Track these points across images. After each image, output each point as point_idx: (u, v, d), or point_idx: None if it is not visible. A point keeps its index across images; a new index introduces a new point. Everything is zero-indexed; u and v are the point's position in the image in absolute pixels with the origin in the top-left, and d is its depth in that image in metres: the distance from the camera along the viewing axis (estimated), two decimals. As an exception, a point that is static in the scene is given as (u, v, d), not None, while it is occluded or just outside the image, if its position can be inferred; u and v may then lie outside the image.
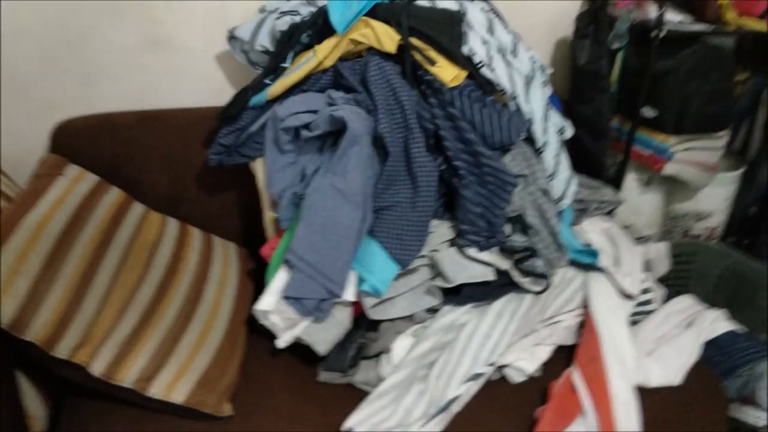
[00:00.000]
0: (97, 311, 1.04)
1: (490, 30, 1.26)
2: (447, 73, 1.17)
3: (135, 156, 1.38)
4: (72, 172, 1.25)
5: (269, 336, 1.15)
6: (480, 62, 1.19)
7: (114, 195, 1.26)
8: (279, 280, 1.12)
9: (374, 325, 1.17)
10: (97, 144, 1.36)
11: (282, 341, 1.12)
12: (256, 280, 1.37)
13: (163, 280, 1.17)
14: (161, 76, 1.45)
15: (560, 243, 1.19)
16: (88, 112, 1.41)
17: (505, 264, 1.17)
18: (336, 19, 1.17)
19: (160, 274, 1.17)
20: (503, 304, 1.17)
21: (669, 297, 1.42)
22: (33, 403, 1.09)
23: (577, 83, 1.61)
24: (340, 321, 1.13)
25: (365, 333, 1.17)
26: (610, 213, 1.55)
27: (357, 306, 1.16)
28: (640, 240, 1.73)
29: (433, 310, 1.18)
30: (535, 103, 1.24)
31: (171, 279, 1.18)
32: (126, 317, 1.07)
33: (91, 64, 1.39)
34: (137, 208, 1.28)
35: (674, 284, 1.73)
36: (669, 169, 1.58)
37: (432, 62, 1.17)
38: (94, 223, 1.14)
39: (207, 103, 1.48)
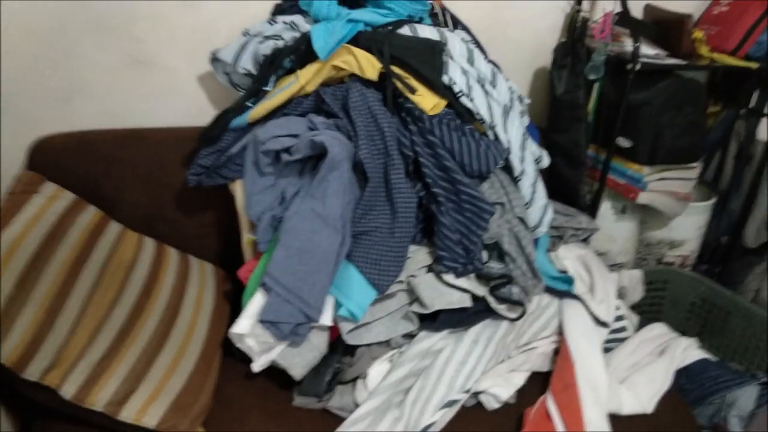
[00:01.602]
0: (69, 332, 1.03)
1: (470, 60, 1.28)
2: (427, 101, 1.19)
3: (113, 174, 1.37)
4: (48, 190, 1.24)
5: (244, 359, 1.14)
6: (460, 91, 1.21)
7: (90, 214, 1.25)
8: (255, 303, 1.11)
9: (350, 349, 1.17)
10: (75, 162, 1.35)
11: (257, 365, 1.11)
12: (232, 301, 1.37)
13: (138, 301, 1.16)
14: (142, 95, 1.45)
15: (536, 270, 1.20)
16: (68, 129, 1.40)
17: (481, 290, 1.18)
18: (319, 45, 1.18)
19: (135, 295, 1.16)
20: (479, 330, 1.17)
21: (642, 324, 1.44)
22: (2, 425, 1.07)
23: (554, 112, 1.64)
24: (316, 345, 1.12)
25: (341, 358, 1.17)
26: (585, 240, 1.58)
27: (333, 330, 1.16)
28: (615, 267, 1.76)
29: (409, 336, 1.18)
30: (513, 132, 1.26)
31: (146, 300, 1.17)
32: (99, 339, 1.06)
33: (73, 82, 1.38)
34: (114, 228, 1.27)
35: (647, 311, 1.76)
36: (643, 198, 1.61)
37: (412, 90, 1.19)
38: (69, 242, 1.13)
39: (187, 123, 1.48)
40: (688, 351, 1.36)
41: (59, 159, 1.34)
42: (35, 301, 1.01)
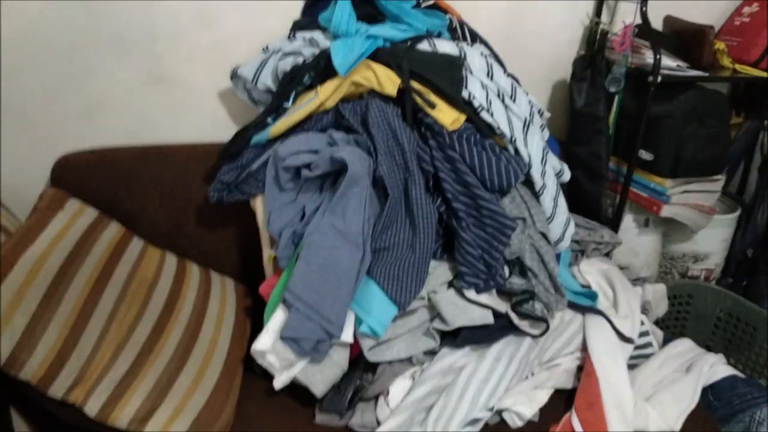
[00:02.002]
0: (93, 350, 1.04)
1: (490, 75, 1.28)
2: (447, 116, 1.19)
3: (135, 190, 1.39)
4: (72, 206, 1.25)
5: (265, 376, 1.14)
6: (479, 106, 1.21)
7: (113, 230, 1.26)
8: (276, 319, 1.11)
9: (372, 366, 1.16)
10: (98, 178, 1.36)
11: (278, 382, 1.11)
12: (253, 317, 1.37)
13: (161, 318, 1.16)
14: (163, 111, 1.47)
15: (558, 286, 1.19)
16: (90, 146, 1.42)
17: (503, 306, 1.17)
18: (338, 61, 1.19)
19: (157, 312, 1.17)
20: (502, 347, 1.16)
21: (667, 339, 1.42)
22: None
23: (574, 125, 1.63)
24: (337, 362, 1.12)
25: (362, 374, 1.16)
26: (608, 254, 1.56)
27: (354, 347, 1.15)
28: (638, 281, 1.73)
29: (431, 353, 1.17)
30: (533, 146, 1.25)
31: (168, 317, 1.17)
32: (122, 356, 1.07)
33: (94, 99, 1.41)
34: (136, 244, 1.28)
35: (672, 326, 1.73)
36: (667, 211, 1.59)
37: (432, 105, 1.19)
38: (93, 259, 1.14)
39: (208, 139, 1.50)
40: (715, 367, 1.33)
41: (82, 176, 1.36)
42: (59, 318, 1.02)
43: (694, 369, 1.30)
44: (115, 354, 1.06)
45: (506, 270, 1.19)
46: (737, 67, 1.64)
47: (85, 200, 1.31)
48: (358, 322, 1.11)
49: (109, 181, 1.36)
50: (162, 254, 1.33)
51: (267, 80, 1.30)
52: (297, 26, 1.39)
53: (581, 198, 1.64)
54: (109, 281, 1.13)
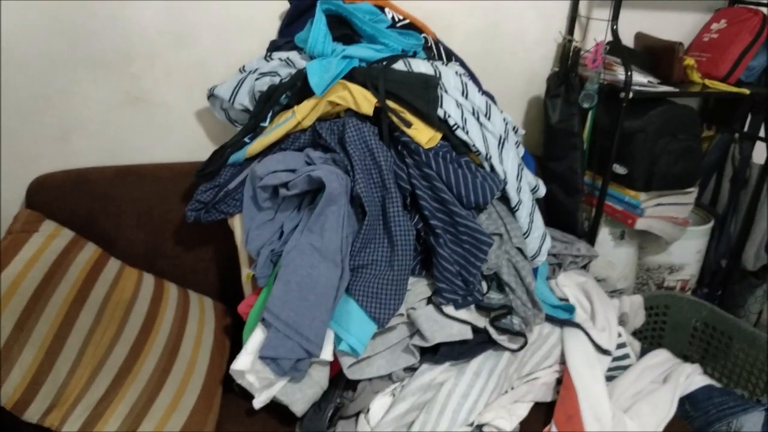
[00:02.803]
0: (69, 373, 1.03)
1: (465, 93, 1.30)
2: (423, 135, 1.20)
3: (111, 211, 1.38)
4: (47, 228, 1.24)
5: (245, 395, 1.13)
6: (455, 124, 1.22)
7: (89, 251, 1.25)
8: (255, 339, 1.11)
9: (351, 384, 1.16)
10: (73, 199, 1.35)
11: (258, 401, 1.10)
12: (232, 336, 1.36)
13: (138, 339, 1.15)
14: (139, 131, 1.46)
15: (536, 300, 1.20)
16: (66, 167, 1.41)
17: (482, 321, 1.18)
18: (315, 81, 1.20)
19: (134, 333, 1.16)
20: (481, 362, 1.17)
21: (644, 350, 1.44)
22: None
23: (549, 140, 1.65)
24: (316, 381, 1.12)
25: (342, 392, 1.16)
26: (585, 267, 1.58)
27: (334, 365, 1.15)
28: (615, 293, 1.76)
29: (411, 369, 1.17)
30: (509, 163, 1.27)
31: (146, 337, 1.17)
32: (99, 378, 1.05)
33: (70, 120, 1.40)
34: (113, 265, 1.27)
35: (649, 336, 1.75)
36: (641, 224, 1.61)
37: (408, 124, 1.20)
38: (69, 281, 1.13)
39: (185, 159, 1.50)
40: (692, 377, 1.35)
41: (57, 197, 1.35)
42: (35, 341, 1.01)
43: (671, 379, 1.32)
44: (91, 377, 1.05)
45: (484, 285, 1.20)
46: (707, 82, 1.68)
47: (61, 221, 1.30)
48: (338, 340, 1.11)
49: (84, 202, 1.36)
50: (139, 274, 1.32)
51: (244, 100, 1.31)
52: (273, 46, 1.40)
53: (558, 212, 1.66)
54: (85, 303, 1.12)
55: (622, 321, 1.51)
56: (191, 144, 1.51)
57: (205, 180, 1.28)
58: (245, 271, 1.28)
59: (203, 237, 1.44)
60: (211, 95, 1.37)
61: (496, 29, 1.65)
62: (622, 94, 1.48)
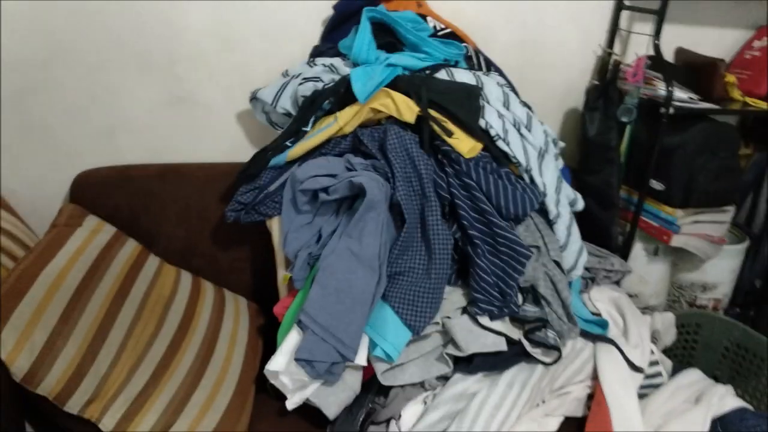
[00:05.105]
0: (110, 366, 1.05)
1: (506, 104, 1.30)
2: (464, 144, 1.21)
3: (152, 208, 1.40)
4: (91, 222, 1.27)
5: (278, 396, 1.15)
6: (496, 135, 1.23)
7: (130, 248, 1.27)
8: (291, 340, 1.12)
9: (384, 390, 1.17)
10: (116, 195, 1.38)
11: (291, 403, 1.11)
12: (265, 336, 1.38)
13: (176, 336, 1.17)
14: (182, 131, 1.49)
15: (572, 315, 1.20)
16: (109, 163, 1.44)
17: (516, 333, 1.18)
18: (358, 88, 1.21)
19: (173, 329, 1.18)
20: (514, 373, 1.17)
21: (675, 368, 1.42)
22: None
23: (586, 154, 1.65)
24: (350, 385, 1.13)
25: (374, 398, 1.17)
26: (617, 282, 1.57)
27: (367, 370, 1.16)
28: (647, 309, 1.74)
29: (443, 378, 1.18)
30: (548, 175, 1.27)
31: (183, 334, 1.19)
32: (138, 373, 1.08)
33: (115, 118, 1.43)
34: (153, 262, 1.30)
35: (680, 354, 1.73)
36: (676, 241, 1.60)
37: (449, 134, 1.21)
38: (111, 276, 1.15)
39: (225, 159, 1.52)
40: (725, 399, 1.34)
41: (101, 192, 1.37)
42: (78, 334, 1.03)
43: (704, 400, 1.31)
44: (131, 371, 1.07)
45: (520, 297, 1.20)
46: (747, 100, 1.66)
47: (104, 217, 1.33)
48: (372, 345, 1.12)
49: (126, 198, 1.38)
50: (177, 272, 1.34)
51: (286, 104, 1.32)
52: (317, 52, 1.42)
53: (592, 225, 1.65)
54: (126, 298, 1.14)
55: (654, 338, 1.49)
56: (232, 145, 1.53)
57: (245, 181, 1.30)
58: (282, 273, 1.30)
59: (240, 237, 1.46)
60: (254, 98, 1.39)
61: (536, 40, 1.65)
62: (662, 110, 1.46)
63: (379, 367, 1.12)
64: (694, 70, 1.65)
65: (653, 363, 1.36)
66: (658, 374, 1.36)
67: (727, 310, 1.90)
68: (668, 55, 1.75)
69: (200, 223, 1.43)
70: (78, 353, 1.02)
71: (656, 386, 1.34)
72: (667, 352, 1.52)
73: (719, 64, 1.59)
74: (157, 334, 1.14)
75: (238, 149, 1.53)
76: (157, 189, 1.41)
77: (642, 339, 1.36)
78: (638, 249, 1.69)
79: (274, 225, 1.29)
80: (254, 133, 1.54)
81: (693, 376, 1.39)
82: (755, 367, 1.59)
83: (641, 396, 1.30)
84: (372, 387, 1.17)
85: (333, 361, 1.09)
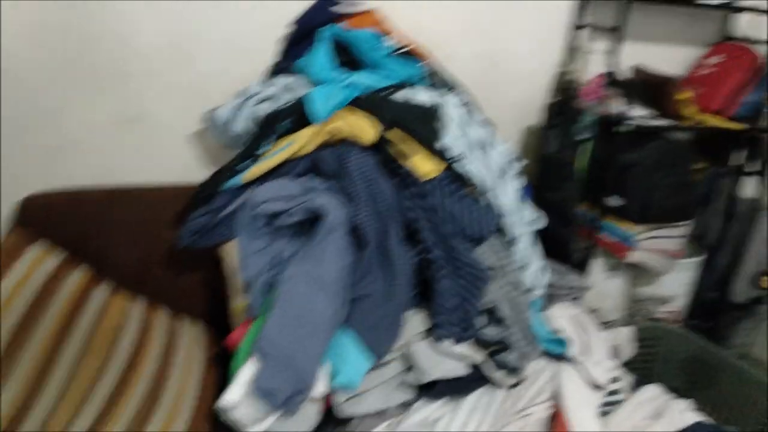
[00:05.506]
0: (55, 404, 1.00)
1: (466, 125, 1.30)
2: (423, 166, 1.19)
3: (103, 232, 1.36)
4: (37, 249, 1.21)
5: (234, 429, 1.11)
6: (455, 156, 1.22)
7: (78, 276, 1.22)
8: (247, 371, 1.08)
9: (344, 419, 1.14)
10: (66, 219, 1.33)
11: (248, 437, 1.07)
12: (223, 365, 1.33)
13: (126, 368, 1.12)
14: (135, 151, 1.44)
15: (532, 336, 1.20)
16: (59, 186, 1.38)
17: (479, 357, 1.17)
18: (316, 109, 1.19)
19: (122, 362, 1.13)
20: (476, 398, 1.15)
21: (635, 381, 1.43)
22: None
23: (545, 170, 1.66)
24: (309, 416, 1.09)
25: (335, 428, 1.14)
26: (577, 298, 1.57)
27: (326, 399, 1.13)
28: (606, 324, 1.75)
29: (405, 405, 1.15)
30: (508, 196, 1.26)
31: (134, 367, 1.14)
32: (85, 409, 1.02)
33: (63, 139, 1.37)
34: (102, 290, 1.25)
35: (639, 368, 1.75)
36: (634, 256, 1.62)
37: (409, 155, 1.19)
38: (56, 308, 1.10)
39: (179, 181, 1.47)
40: (685, 414, 1.35)
41: (49, 216, 1.33)
42: (21, 370, 0.98)
43: (665, 415, 1.32)
44: (78, 408, 1.02)
45: (482, 319, 1.19)
46: (700, 117, 1.69)
47: (53, 240, 1.28)
48: (332, 374, 1.09)
49: (76, 223, 1.33)
50: (128, 300, 1.29)
51: (243, 124, 1.29)
52: (276, 70, 1.39)
53: (552, 242, 1.65)
54: (73, 330, 1.10)
55: (613, 353, 1.50)
56: (185, 166, 1.49)
57: (200, 204, 1.26)
58: (235, 301, 1.25)
59: (196, 261, 1.41)
60: (210, 117, 1.35)
61: (495, 57, 1.65)
62: (618, 127, 1.48)
63: (338, 398, 1.09)
64: (650, 87, 1.67)
65: (614, 379, 1.36)
66: (619, 390, 1.37)
67: (685, 322, 1.93)
68: (626, 73, 1.77)
69: (153, 247, 1.39)
70: (21, 391, 0.96)
71: (617, 402, 1.35)
72: (627, 365, 1.53)
73: (674, 81, 1.62)
74: (105, 368, 1.09)
75: (193, 170, 1.49)
76: (109, 212, 1.36)
77: (602, 356, 1.36)
78: (598, 264, 1.71)
79: (228, 251, 1.25)
80: (209, 153, 1.50)
81: (653, 391, 1.40)
82: (713, 379, 1.62)
83: (603, 413, 1.30)
84: (332, 417, 1.14)
85: (293, 391, 1.06)
